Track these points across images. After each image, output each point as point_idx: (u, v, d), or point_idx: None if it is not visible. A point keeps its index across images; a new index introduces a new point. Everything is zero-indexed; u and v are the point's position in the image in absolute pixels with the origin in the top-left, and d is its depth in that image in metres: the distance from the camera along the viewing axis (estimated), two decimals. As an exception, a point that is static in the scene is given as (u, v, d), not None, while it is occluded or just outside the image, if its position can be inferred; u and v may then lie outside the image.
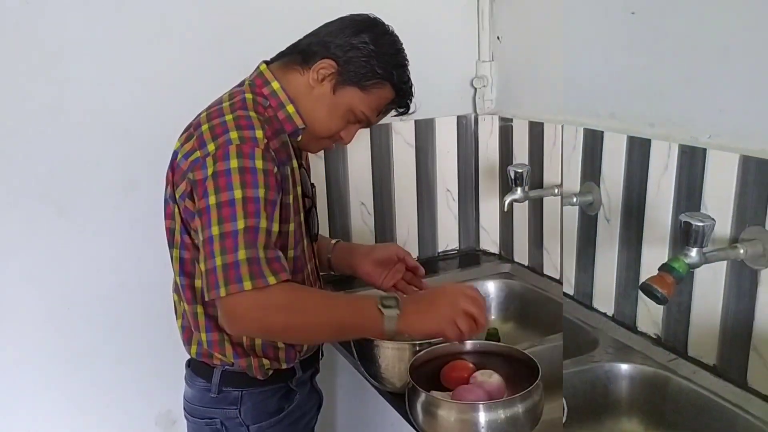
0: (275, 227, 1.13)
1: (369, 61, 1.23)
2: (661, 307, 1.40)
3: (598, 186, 1.52)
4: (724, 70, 1.24)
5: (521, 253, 1.90)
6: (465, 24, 1.92)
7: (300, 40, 1.29)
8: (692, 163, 1.29)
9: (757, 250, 1.17)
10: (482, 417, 1.08)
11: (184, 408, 1.36)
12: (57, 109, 1.54)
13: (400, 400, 1.22)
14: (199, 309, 1.25)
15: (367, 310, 1.13)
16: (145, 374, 1.73)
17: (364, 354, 1.33)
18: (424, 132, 1.92)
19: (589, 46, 1.54)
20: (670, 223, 1.35)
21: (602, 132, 1.50)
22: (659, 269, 1.12)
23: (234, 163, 1.10)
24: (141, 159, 1.61)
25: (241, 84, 1.28)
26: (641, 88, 1.42)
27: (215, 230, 1.09)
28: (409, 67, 1.29)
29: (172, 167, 1.23)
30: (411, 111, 1.34)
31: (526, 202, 1.72)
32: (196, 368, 1.31)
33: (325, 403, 1.49)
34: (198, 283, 1.24)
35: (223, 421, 1.29)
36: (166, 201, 1.26)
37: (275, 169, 1.15)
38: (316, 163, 1.75)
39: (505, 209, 1.62)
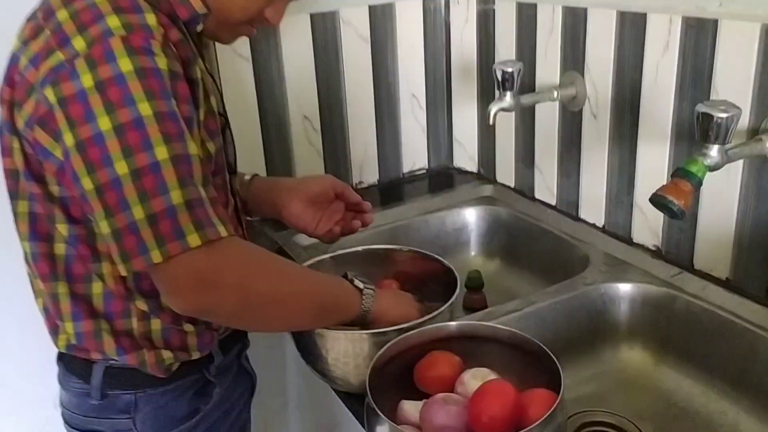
0: (201, 152, 0.83)
1: None
2: (661, 215, 1.19)
3: (582, 76, 1.28)
4: None
5: (506, 173, 1.59)
6: None
7: None
8: (699, 39, 1.06)
9: (786, 141, 0.96)
10: None
11: (62, 415, 1.04)
12: None
13: (360, 402, 0.88)
14: (61, 288, 0.91)
15: (344, 284, 0.95)
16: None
17: (304, 345, 0.99)
18: (381, 21, 1.55)
19: None
20: (671, 115, 1.13)
21: (585, 9, 1.24)
22: (672, 175, 0.91)
23: (125, 65, 0.77)
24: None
25: None
26: (632, -50, 1.16)
27: (121, 167, 0.75)
28: None
29: (9, 79, 0.86)
30: None
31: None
32: (69, 364, 0.98)
33: (267, 382, 1.22)
34: (59, 249, 0.89)
35: None
36: None
37: (182, 71, 0.83)
38: (242, 66, 1.42)
39: (491, 122, 1.27)
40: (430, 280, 1.07)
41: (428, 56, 1.63)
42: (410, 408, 0.80)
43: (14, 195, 0.90)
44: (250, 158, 1.47)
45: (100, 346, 0.92)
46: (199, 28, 0.91)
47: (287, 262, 0.95)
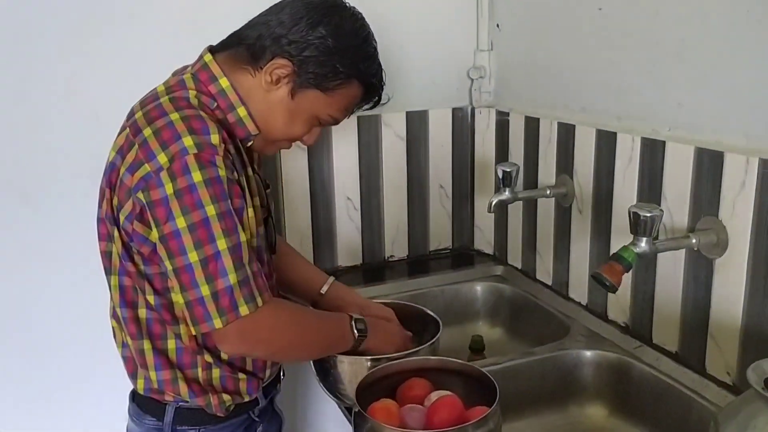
0: (249, 236, 1.06)
1: (329, 59, 1.08)
2: (629, 296, 1.43)
3: (571, 178, 1.56)
4: (682, 65, 1.27)
5: (515, 256, 1.83)
6: (463, 10, 1.84)
7: (246, 29, 1.13)
8: (653, 156, 1.32)
9: (711, 239, 1.20)
10: None
11: None
12: (21, 96, 1.50)
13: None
14: (146, 345, 1.13)
15: (344, 330, 1.18)
16: (115, 366, 1.61)
17: (323, 371, 1.25)
18: (417, 124, 1.85)
19: (564, 40, 1.58)
20: (634, 214, 1.38)
21: (573, 126, 1.53)
22: (609, 258, 1.16)
23: (197, 177, 0.99)
24: (110, 146, 1.57)
25: (182, 72, 1.14)
26: (609, 83, 1.46)
27: (193, 256, 0.99)
28: (378, 53, 1.15)
29: (110, 182, 1.09)
30: (384, 101, 1.22)
31: (521, 201, 1.68)
32: (144, 404, 1.18)
33: (288, 420, 1.41)
34: (143, 313, 1.12)
35: None
36: (100, 220, 1.13)
37: (236, 176, 1.05)
38: (297, 154, 1.73)
39: (490, 211, 1.55)
40: (423, 326, 1.34)
41: (455, 154, 1.92)
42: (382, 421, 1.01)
43: (108, 271, 1.14)
44: (301, 227, 1.79)
45: (176, 390, 1.13)
46: (249, 143, 1.15)
47: (305, 314, 1.19)
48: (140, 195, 1.02)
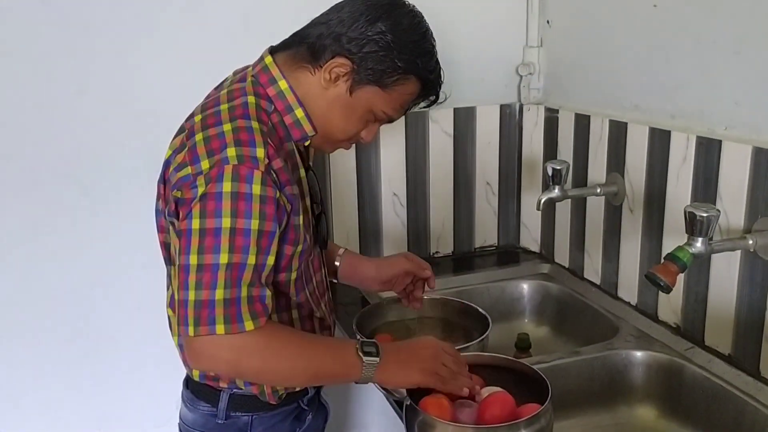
0: (270, 260, 1.02)
1: (388, 55, 1.08)
2: (680, 297, 1.41)
3: (623, 177, 1.54)
4: (739, 63, 1.25)
5: (562, 254, 1.81)
6: (513, 6, 1.83)
7: (308, 28, 1.14)
8: (708, 155, 1.30)
9: (768, 241, 1.18)
10: None
11: (181, 431, 1.26)
12: (82, 89, 1.55)
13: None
14: None
15: (347, 357, 1.07)
16: (166, 356, 1.63)
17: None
18: (464, 121, 1.84)
19: (617, 36, 1.56)
20: (688, 213, 1.36)
21: (626, 123, 1.52)
22: (664, 258, 1.15)
23: (227, 187, 0.98)
24: (167, 142, 1.55)
25: (244, 76, 1.14)
26: (663, 80, 1.44)
27: (193, 259, 0.98)
28: (437, 51, 1.15)
29: (164, 179, 1.12)
30: (441, 100, 1.20)
31: (569, 199, 1.63)
32: (199, 391, 1.20)
33: (334, 413, 1.42)
34: None
35: None
36: (158, 213, 1.16)
37: (276, 194, 1.02)
38: (345, 150, 1.76)
39: (539, 208, 1.53)
40: (471, 322, 1.35)
41: (502, 151, 1.91)
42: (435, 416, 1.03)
43: (167, 261, 1.17)
44: (348, 221, 1.82)
45: (232, 378, 1.14)
46: (306, 143, 1.15)
47: (294, 345, 1.06)
48: (176, 193, 1.05)
